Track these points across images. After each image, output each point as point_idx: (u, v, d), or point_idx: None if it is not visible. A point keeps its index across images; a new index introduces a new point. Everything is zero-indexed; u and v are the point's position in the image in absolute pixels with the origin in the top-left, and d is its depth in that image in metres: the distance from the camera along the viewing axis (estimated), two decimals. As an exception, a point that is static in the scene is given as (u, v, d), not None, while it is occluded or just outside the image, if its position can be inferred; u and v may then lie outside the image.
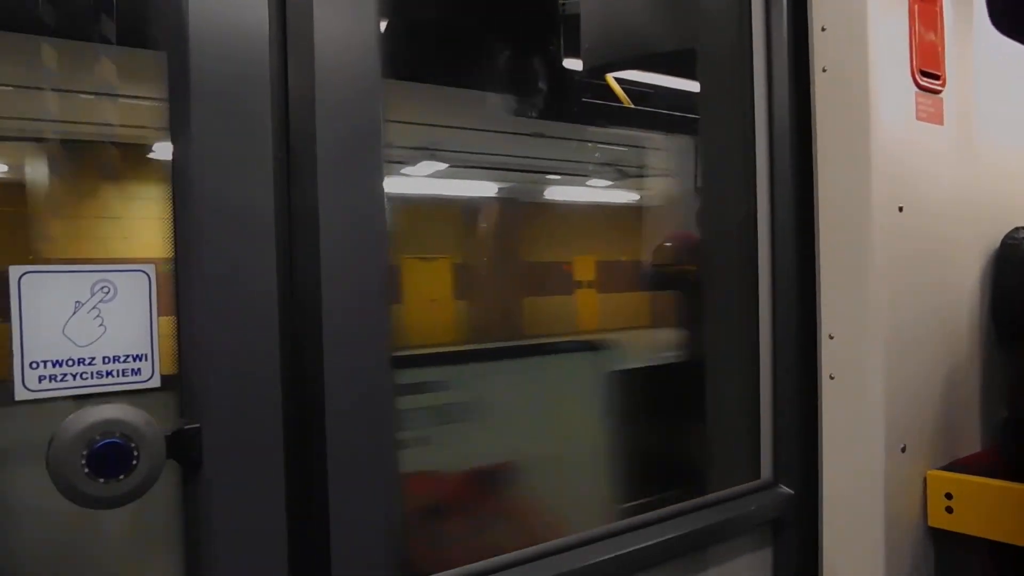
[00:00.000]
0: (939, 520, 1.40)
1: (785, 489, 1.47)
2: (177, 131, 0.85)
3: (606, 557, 1.20)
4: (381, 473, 0.95)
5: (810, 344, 1.44)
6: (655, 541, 1.27)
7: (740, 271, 1.51)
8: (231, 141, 0.85)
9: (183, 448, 0.81)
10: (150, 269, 0.82)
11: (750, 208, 1.49)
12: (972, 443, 1.53)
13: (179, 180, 0.84)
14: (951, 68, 1.46)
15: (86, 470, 0.76)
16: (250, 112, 0.86)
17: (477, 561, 1.07)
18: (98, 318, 0.79)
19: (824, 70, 1.39)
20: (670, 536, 1.29)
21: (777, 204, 1.47)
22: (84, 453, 0.76)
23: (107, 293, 0.80)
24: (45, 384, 0.76)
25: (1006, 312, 1.53)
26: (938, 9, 1.44)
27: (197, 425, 0.82)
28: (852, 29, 1.36)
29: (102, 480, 0.76)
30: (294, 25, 0.90)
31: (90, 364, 0.79)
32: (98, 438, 0.76)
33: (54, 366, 0.77)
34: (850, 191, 1.37)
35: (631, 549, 1.23)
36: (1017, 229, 1.55)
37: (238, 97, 0.85)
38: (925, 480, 1.42)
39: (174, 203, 0.85)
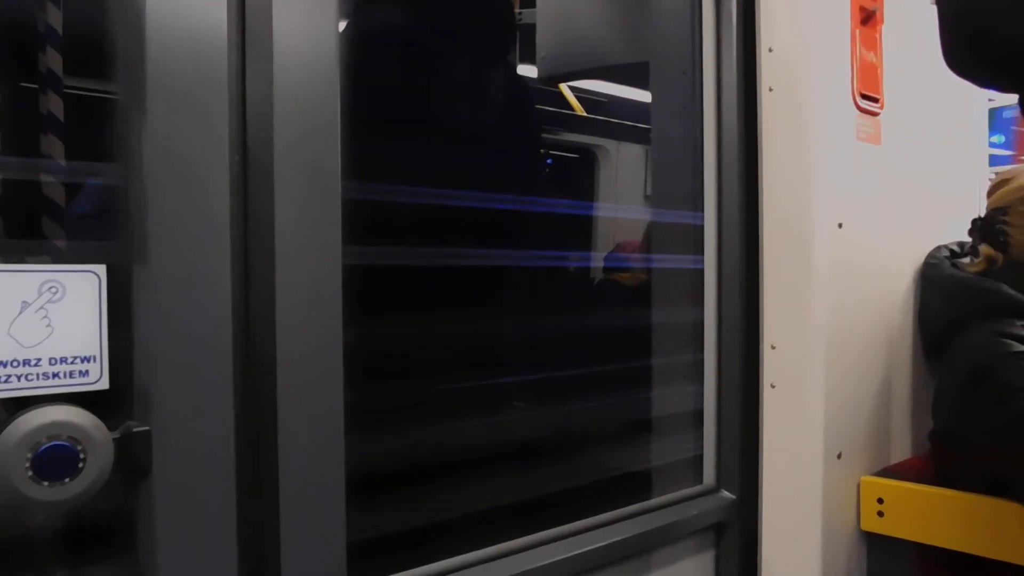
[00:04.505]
0: (871, 524, 1.46)
1: (727, 494, 1.51)
2: (132, 130, 0.83)
3: (551, 561, 1.21)
4: (332, 480, 0.96)
5: (753, 354, 1.49)
6: (599, 545, 1.29)
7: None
8: (187, 142, 0.84)
9: (132, 451, 0.80)
10: (101, 270, 0.80)
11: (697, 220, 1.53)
12: (903, 450, 1.60)
13: (134, 180, 0.83)
14: (888, 90, 1.53)
15: (30, 473, 0.74)
16: (207, 112, 0.85)
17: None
18: (45, 319, 0.78)
19: (771, 89, 1.45)
20: (615, 540, 1.32)
21: (724, 218, 1.52)
22: (29, 456, 0.74)
23: (55, 293, 0.78)
24: (-11, 385, 0.74)
25: (926, 328, 1.61)
26: (878, 35, 1.51)
27: (147, 428, 0.81)
28: (798, 51, 1.42)
29: (46, 483, 0.75)
30: (253, 25, 0.90)
31: (36, 365, 0.77)
32: (44, 440, 0.75)
33: (-1, 367, 0.75)
34: (793, 207, 1.42)
35: (576, 552, 1.25)
36: (939, 248, 1.63)
37: (195, 97, 0.85)
38: (859, 486, 1.48)
39: (129, 203, 0.84)
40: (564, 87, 3.20)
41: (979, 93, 1.82)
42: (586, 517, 1.32)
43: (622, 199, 3.61)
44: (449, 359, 1.35)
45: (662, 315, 1.67)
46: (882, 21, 1.50)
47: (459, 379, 1.33)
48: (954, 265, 1.55)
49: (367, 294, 1.02)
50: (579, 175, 3.59)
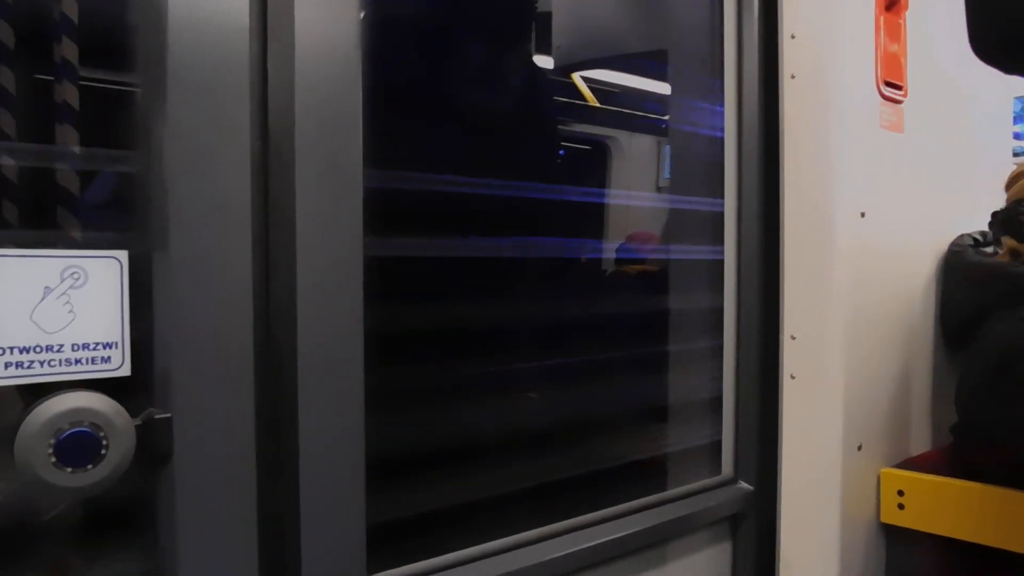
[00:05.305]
0: (891, 516, 1.45)
1: (745, 485, 1.50)
2: (153, 119, 0.83)
3: (569, 551, 1.21)
4: (352, 467, 0.96)
5: (772, 344, 1.47)
6: (617, 535, 1.28)
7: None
8: (208, 130, 0.84)
9: (154, 438, 0.80)
10: (122, 256, 0.80)
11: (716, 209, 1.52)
12: (924, 442, 1.58)
13: (155, 168, 0.83)
14: (912, 78, 1.51)
15: (53, 459, 0.74)
16: (228, 101, 0.85)
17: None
18: (68, 304, 0.77)
19: (793, 77, 1.43)
20: (632, 530, 1.31)
21: (744, 207, 1.50)
22: (51, 442, 0.74)
23: (77, 279, 0.78)
24: (11, 371, 0.74)
25: (949, 317, 1.59)
26: (902, 21, 1.49)
27: (168, 415, 0.81)
28: (821, 38, 1.40)
29: (69, 469, 0.75)
30: (274, 13, 0.89)
31: (58, 351, 0.77)
32: (66, 427, 0.75)
33: (21, 352, 0.75)
34: (814, 196, 1.41)
35: (594, 543, 1.25)
36: (962, 236, 1.60)
37: (216, 86, 0.84)
38: (879, 478, 1.46)
39: (150, 191, 0.83)
40: (576, 77, 3.18)
41: (1005, 81, 1.79)
42: (606, 507, 1.32)
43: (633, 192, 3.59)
44: (466, 347, 1.35)
45: (678, 304, 1.66)
46: (907, 7, 1.48)
47: (477, 366, 1.33)
48: (979, 253, 1.53)
49: (387, 281, 1.01)
50: (590, 167, 3.56)
